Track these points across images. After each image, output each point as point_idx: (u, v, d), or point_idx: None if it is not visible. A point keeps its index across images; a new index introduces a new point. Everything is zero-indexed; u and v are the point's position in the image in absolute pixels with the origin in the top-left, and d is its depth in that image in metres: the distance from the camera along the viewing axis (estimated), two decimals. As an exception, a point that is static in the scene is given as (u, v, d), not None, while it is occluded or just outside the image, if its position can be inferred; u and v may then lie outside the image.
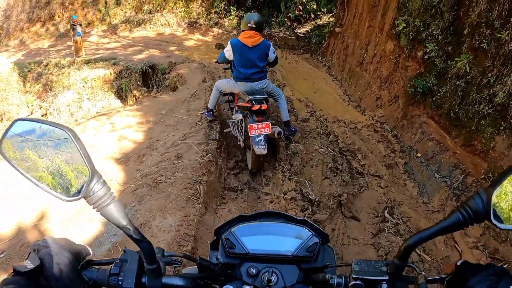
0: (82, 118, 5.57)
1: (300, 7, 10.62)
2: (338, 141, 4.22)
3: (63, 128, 0.63)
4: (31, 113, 8.72)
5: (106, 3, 11.33)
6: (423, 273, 0.66)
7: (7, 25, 11.19)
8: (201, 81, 6.54)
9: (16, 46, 11.01)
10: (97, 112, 5.92)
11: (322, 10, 10.65)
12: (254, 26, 3.66)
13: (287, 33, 10.68)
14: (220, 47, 4.04)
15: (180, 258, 0.77)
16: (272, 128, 3.40)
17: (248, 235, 0.83)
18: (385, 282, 0.68)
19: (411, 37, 4.89)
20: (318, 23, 10.73)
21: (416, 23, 4.81)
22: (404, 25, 5.14)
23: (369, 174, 3.86)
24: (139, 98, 7.90)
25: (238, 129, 3.81)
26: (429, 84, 4.31)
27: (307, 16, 11.41)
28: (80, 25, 9.20)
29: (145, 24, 11.05)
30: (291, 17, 10.62)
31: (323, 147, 4.02)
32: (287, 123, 4.04)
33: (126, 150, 4.00)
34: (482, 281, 0.57)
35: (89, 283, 0.67)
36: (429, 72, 4.45)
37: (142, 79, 8.35)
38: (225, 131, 4.17)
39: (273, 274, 0.79)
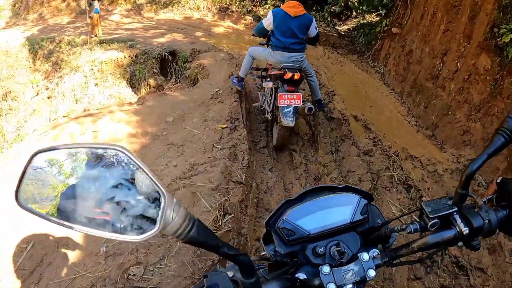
0: (64, 116, 4.12)
1: (342, 3, 8.82)
2: (423, 199, 2.60)
3: (114, 147, 0.43)
4: (37, 94, 7.36)
5: (132, -21, 9.81)
6: (479, 197, 0.65)
7: (26, -3, 9.84)
8: (227, 76, 4.95)
9: (35, 20, 9.67)
10: (84, 110, 4.38)
11: (369, 8, 8.81)
12: None
13: (328, 29, 8.94)
14: (259, 19, 3.71)
15: (261, 262, 0.70)
16: (303, 103, 3.10)
17: (303, 217, 0.73)
18: (455, 213, 0.65)
19: (524, 55, 3.20)
20: (362, 21, 8.95)
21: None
22: (512, 36, 3.42)
23: (469, 265, 2.26)
24: (153, 88, 6.41)
25: (267, 100, 3.60)
26: None
27: (349, 13, 9.62)
28: (99, 0, 7.75)
29: (172, 6, 9.53)
30: (336, 11, 8.85)
31: (404, 209, 2.43)
32: (319, 101, 3.84)
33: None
34: None
35: None
36: None
37: (160, 66, 6.85)
38: (253, 105, 4.02)
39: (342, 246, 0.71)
